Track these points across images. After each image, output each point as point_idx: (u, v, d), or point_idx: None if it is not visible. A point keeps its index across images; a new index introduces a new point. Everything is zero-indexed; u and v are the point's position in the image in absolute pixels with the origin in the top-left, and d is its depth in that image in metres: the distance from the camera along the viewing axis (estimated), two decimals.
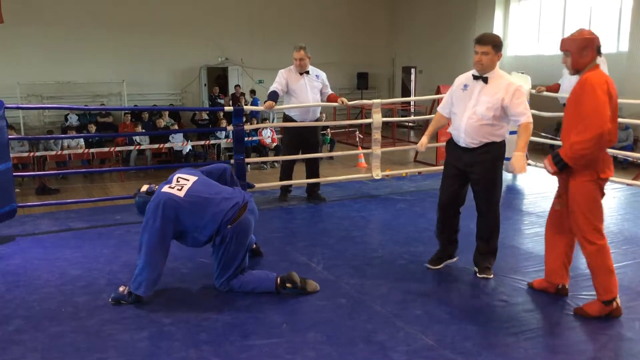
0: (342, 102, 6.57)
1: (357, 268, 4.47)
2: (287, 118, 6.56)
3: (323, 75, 6.55)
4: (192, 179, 3.91)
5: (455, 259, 4.43)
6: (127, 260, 4.65)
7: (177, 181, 3.88)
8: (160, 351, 3.21)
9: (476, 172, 4.10)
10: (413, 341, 3.30)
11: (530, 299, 3.87)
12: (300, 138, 6.52)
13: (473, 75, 4.09)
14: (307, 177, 6.73)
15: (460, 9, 17.43)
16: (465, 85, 4.13)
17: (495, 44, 3.97)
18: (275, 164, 13.32)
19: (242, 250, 3.90)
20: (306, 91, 6.33)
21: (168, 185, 3.85)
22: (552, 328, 3.46)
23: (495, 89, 3.98)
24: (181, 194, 3.77)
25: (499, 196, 4.20)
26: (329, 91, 6.60)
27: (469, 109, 4.06)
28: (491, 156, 4.07)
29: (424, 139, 4.44)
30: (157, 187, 3.97)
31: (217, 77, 18.79)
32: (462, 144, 4.12)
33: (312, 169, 6.71)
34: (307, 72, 6.35)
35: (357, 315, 3.65)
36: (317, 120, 6.62)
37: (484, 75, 4.02)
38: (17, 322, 3.57)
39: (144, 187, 4.02)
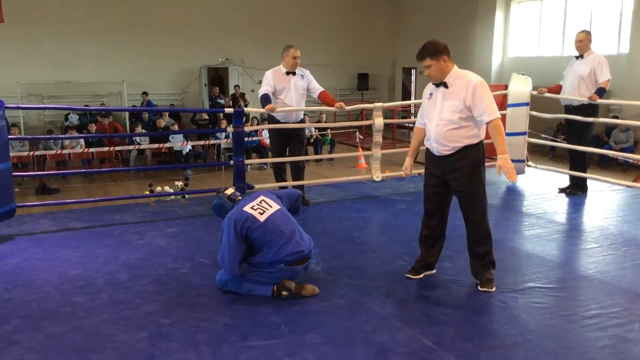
0: (341, 107, 6.53)
1: (356, 269, 4.46)
2: (271, 118, 6.52)
3: (307, 72, 6.52)
4: (275, 207, 4.00)
5: (434, 271, 4.33)
6: (126, 260, 4.65)
7: (260, 204, 3.97)
8: (159, 352, 3.20)
9: (456, 178, 4.00)
10: (412, 342, 3.29)
11: (529, 301, 3.86)
12: (285, 138, 6.50)
13: (434, 83, 4.04)
14: (293, 179, 6.68)
15: (461, 10, 17.43)
16: (431, 94, 4.08)
17: (432, 53, 3.88)
18: None
19: (266, 283, 3.92)
20: (291, 92, 6.31)
21: (251, 206, 3.93)
22: (550, 330, 3.45)
23: (456, 91, 3.91)
24: (262, 218, 3.86)
25: (484, 202, 4.05)
26: (318, 87, 6.53)
27: (435, 116, 3.99)
28: (469, 161, 3.95)
29: (408, 161, 4.37)
30: (240, 197, 4.10)
31: (213, 78, 18.75)
32: (435, 152, 4.05)
33: (297, 171, 6.63)
34: (294, 73, 6.35)
35: (356, 316, 3.64)
36: (300, 121, 6.59)
37: (443, 81, 3.96)
38: (16, 322, 3.56)
39: (229, 190, 4.14)
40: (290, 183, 6.65)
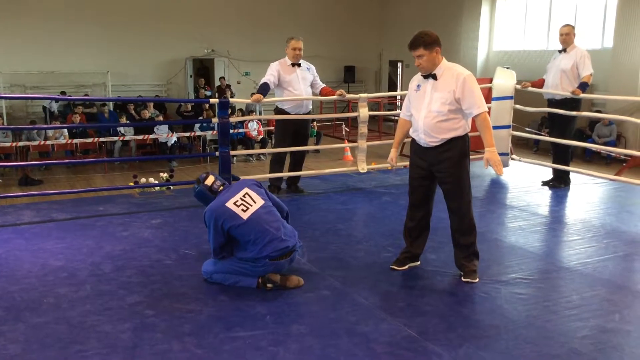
0: (342, 94, 6.65)
1: (341, 260, 4.48)
2: (279, 111, 6.54)
3: (313, 68, 6.59)
4: (259, 202, 3.92)
5: (418, 263, 4.35)
6: (110, 252, 4.63)
7: (244, 198, 3.89)
8: (143, 343, 3.19)
9: (441, 170, 4.02)
10: (396, 333, 3.32)
11: (511, 292, 3.90)
12: (293, 131, 6.53)
13: (422, 75, 4.05)
14: (291, 169, 6.74)
15: (447, 3, 17.47)
16: (418, 86, 4.09)
17: (425, 43, 3.88)
18: (262, 156, 13.31)
19: (251, 276, 3.91)
20: (299, 83, 6.34)
21: (234, 201, 3.84)
22: (532, 320, 3.49)
23: (446, 83, 3.93)
24: (245, 216, 3.80)
25: (469, 194, 4.09)
26: (321, 83, 6.63)
27: (424, 107, 4.00)
28: (455, 153, 3.98)
29: (393, 153, 4.37)
30: (222, 187, 4.00)
31: (198, 69, 18.63)
32: (422, 144, 4.06)
33: (299, 161, 6.75)
34: (299, 65, 6.35)
35: (340, 307, 3.66)
36: (308, 113, 6.62)
37: (432, 73, 3.98)
38: None
39: (210, 180, 4.01)
40: (285, 174, 6.70)
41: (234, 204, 3.84)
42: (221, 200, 3.87)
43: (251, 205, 3.87)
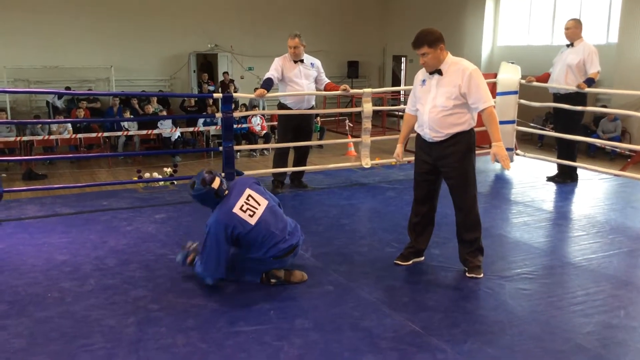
0: (346, 89, 6.61)
1: (345, 255, 4.48)
2: (282, 106, 6.52)
3: (318, 63, 6.54)
4: (264, 203, 3.88)
5: (422, 258, 4.35)
6: (114, 246, 4.63)
7: (247, 200, 3.83)
8: (147, 337, 3.20)
9: (447, 165, 4.01)
10: (400, 328, 3.31)
11: (516, 287, 3.89)
12: (295, 126, 6.51)
13: (429, 71, 4.03)
14: (295, 164, 6.73)
15: None
16: (423, 81, 4.08)
17: (429, 41, 3.85)
18: (265, 151, 13.29)
19: (254, 271, 3.90)
20: (300, 79, 6.32)
21: (239, 206, 3.79)
22: (537, 316, 3.49)
23: (451, 77, 3.91)
24: (252, 221, 3.77)
25: (474, 189, 4.07)
26: (325, 79, 6.61)
27: (429, 102, 3.99)
28: (460, 147, 3.96)
29: (399, 148, 4.38)
30: (227, 189, 3.87)
31: (202, 65, 18.62)
32: (427, 138, 4.04)
33: (303, 156, 6.75)
34: (302, 61, 6.33)
35: (344, 302, 3.66)
36: (311, 108, 6.60)
37: (438, 68, 3.96)
38: (2, 307, 3.54)
39: (216, 183, 3.79)
40: (288, 169, 6.69)
41: (240, 209, 3.79)
42: (228, 207, 3.79)
43: (257, 209, 3.84)
